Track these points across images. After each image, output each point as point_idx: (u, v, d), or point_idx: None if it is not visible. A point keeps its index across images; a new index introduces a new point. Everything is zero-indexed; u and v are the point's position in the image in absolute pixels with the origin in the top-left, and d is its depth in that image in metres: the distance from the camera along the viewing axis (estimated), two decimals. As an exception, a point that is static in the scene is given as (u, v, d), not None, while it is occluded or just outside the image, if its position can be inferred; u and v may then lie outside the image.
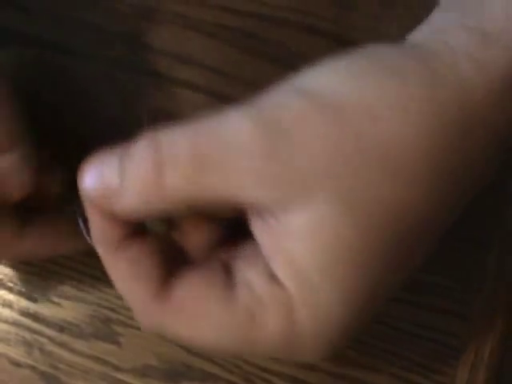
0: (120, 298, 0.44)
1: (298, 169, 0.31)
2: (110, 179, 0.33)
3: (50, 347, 0.44)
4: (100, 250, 0.35)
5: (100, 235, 0.35)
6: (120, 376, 0.44)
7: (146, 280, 0.34)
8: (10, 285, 0.45)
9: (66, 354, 0.44)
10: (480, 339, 0.43)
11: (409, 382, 0.43)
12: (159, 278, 0.34)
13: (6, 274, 0.45)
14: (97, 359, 0.44)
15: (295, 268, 0.32)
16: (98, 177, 0.33)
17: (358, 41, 0.46)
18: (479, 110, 0.32)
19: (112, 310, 0.44)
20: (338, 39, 0.47)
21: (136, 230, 0.35)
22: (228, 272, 0.35)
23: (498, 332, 0.42)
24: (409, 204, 0.32)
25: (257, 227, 0.33)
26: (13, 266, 0.45)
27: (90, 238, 0.36)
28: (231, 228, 0.36)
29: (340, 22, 0.47)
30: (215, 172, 0.32)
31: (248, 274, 0.34)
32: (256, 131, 0.32)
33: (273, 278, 0.33)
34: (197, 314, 0.34)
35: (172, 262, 0.35)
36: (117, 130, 0.45)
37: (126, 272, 0.35)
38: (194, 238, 0.36)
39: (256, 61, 0.47)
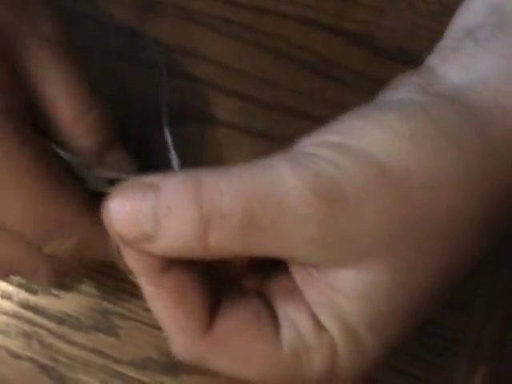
0: (120, 290, 0.44)
1: (353, 238, 0.30)
2: (146, 225, 0.31)
3: (50, 339, 0.44)
4: (141, 281, 0.33)
5: (138, 261, 0.32)
6: (119, 368, 0.44)
7: (194, 311, 0.32)
8: (10, 276, 0.45)
9: (65, 347, 0.44)
10: (480, 332, 0.43)
11: (409, 375, 0.43)
12: (204, 308, 0.32)
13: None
14: (96, 352, 0.44)
15: (341, 320, 0.32)
16: (131, 219, 0.31)
17: (359, 34, 0.47)
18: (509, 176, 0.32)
19: (112, 302, 0.44)
20: (339, 32, 0.47)
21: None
22: (271, 308, 0.34)
23: (498, 324, 0.42)
24: (459, 268, 0.32)
25: (299, 275, 0.33)
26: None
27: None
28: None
29: (341, 15, 0.47)
30: (266, 234, 0.30)
31: (292, 313, 0.33)
32: (314, 199, 0.30)
33: (317, 321, 0.32)
34: (242, 350, 0.32)
35: (214, 293, 0.33)
36: (118, 122, 0.45)
37: (172, 299, 0.32)
38: (233, 270, 0.35)
39: (257, 54, 0.47)
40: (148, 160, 0.44)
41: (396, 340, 0.33)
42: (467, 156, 0.31)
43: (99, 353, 0.44)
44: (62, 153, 0.38)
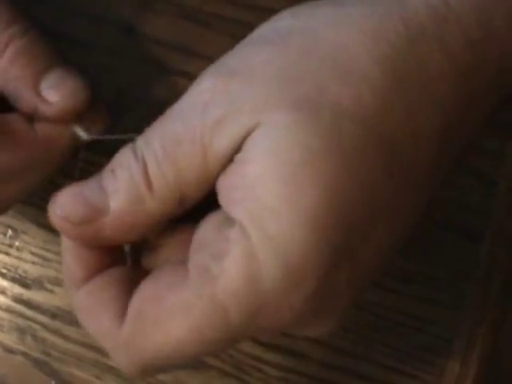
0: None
1: (247, 96, 0.31)
2: (93, 197, 0.32)
3: (43, 334, 0.45)
4: (67, 289, 0.35)
5: (66, 272, 0.35)
6: (112, 363, 0.44)
7: (106, 310, 0.33)
8: (4, 271, 0.45)
9: (58, 341, 0.44)
10: (471, 330, 0.43)
11: (400, 373, 0.44)
12: (119, 304, 0.33)
13: (0, 261, 0.46)
14: (89, 346, 0.44)
15: (251, 193, 0.30)
16: (77, 198, 0.33)
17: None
18: (419, 22, 0.32)
19: None
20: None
21: (104, 265, 0.34)
22: (182, 262, 0.33)
23: (490, 322, 0.43)
24: (367, 106, 0.30)
25: (222, 177, 0.32)
26: (6, 253, 0.46)
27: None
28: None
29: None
30: (185, 145, 0.32)
31: (198, 236, 0.32)
32: (208, 86, 0.33)
33: (226, 223, 0.31)
34: (157, 314, 0.32)
35: (134, 283, 0.34)
36: (112, 117, 0.45)
37: (86, 307, 0.34)
38: (160, 256, 0.35)
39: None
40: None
41: (331, 233, 0.30)
42: (347, 9, 0.32)
43: (92, 347, 0.44)
44: None
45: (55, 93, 0.38)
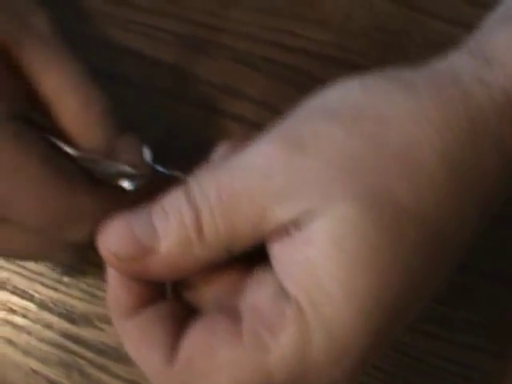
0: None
1: (315, 176, 0.32)
2: (143, 235, 0.33)
3: (89, 369, 0.45)
4: (112, 316, 0.36)
5: (114, 302, 0.35)
6: (156, 401, 0.44)
7: (156, 346, 0.34)
8: (51, 306, 0.46)
9: (104, 377, 0.45)
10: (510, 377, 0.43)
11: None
12: (169, 341, 0.34)
13: (48, 296, 0.46)
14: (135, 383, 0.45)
15: (312, 279, 0.31)
16: (127, 235, 0.33)
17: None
18: (484, 119, 0.33)
19: None
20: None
21: (149, 296, 0.35)
22: (233, 311, 0.34)
23: None
24: (427, 206, 0.32)
25: (276, 243, 0.33)
26: (55, 288, 0.46)
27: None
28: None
29: (385, 61, 0.48)
30: (243, 202, 0.32)
31: (253, 299, 0.34)
32: (273, 151, 0.33)
33: (282, 295, 0.32)
34: (207, 365, 0.33)
35: (182, 321, 0.35)
36: (162, 157, 0.46)
37: (135, 340, 0.35)
38: (204, 294, 0.36)
39: (301, 95, 0.47)
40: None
41: (380, 317, 0.32)
42: (419, 96, 0.33)
43: (137, 385, 0.45)
44: (67, 148, 0.38)
45: (129, 158, 0.39)
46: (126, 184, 0.39)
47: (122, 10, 0.51)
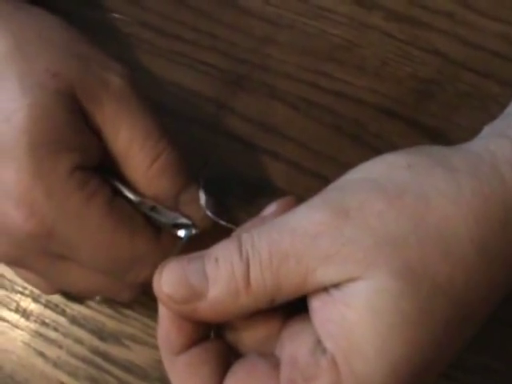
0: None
1: (360, 245, 0.34)
2: (195, 281, 0.35)
3: (116, 386, 0.47)
4: (162, 352, 0.38)
5: (165, 339, 0.37)
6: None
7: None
8: (83, 322, 0.48)
9: (130, 395, 0.47)
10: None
11: None
12: (213, 380, 0.36)
13: (80, 312, 0.48)
14: (159, 403, 0.46)
15: (348, 338, 0.34)
16: (182, 279, 0.36)
17: (433, 128, 0.49)
18: None
19: None
20: (414, 125, 0.50)
21: (197, 335, 0.37)
22: (272, 357, 0.37)
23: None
24: (458, 283, 0.34)
25: (316, 301, 0.35)
26: (87, 305, 0.48)
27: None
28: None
29: (418, 108, 0.50)
30: (290, 262, 0.34)
31: (291, 348, 0.36)
32: (321, 217, 0.35)
33: (319, 348, 0.34)
34: None
35: (225, 361, 0.37)
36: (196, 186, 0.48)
37: (184, 376, 0.37)
38: (245, 337, 0.38)
39: (335, 136, 0.50)
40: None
41: (411, 377, 0.34)
42: (458, 178, 0.35)
43: (162, 404, 0.46)
44: (129, 194, 0.41)
45: (191, 210, 0.42)
46: (181, 233, 0.42)
47: (168, 41, 0.53)
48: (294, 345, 0.36)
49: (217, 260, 0.35)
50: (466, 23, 0.53)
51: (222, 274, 0.35)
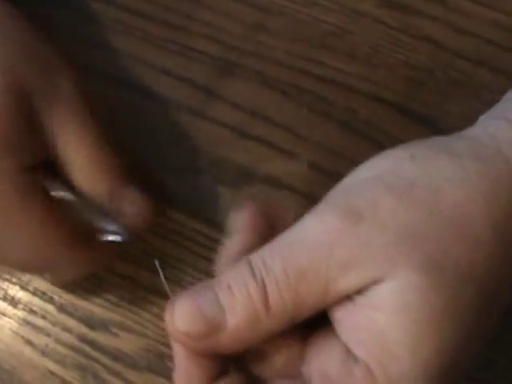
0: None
1: (378, 245, 0.33)
2: (211, 313, 0.34)
3: (104, 374, 0.46)
4: None
5: (185, 379, 0.36)
6: (167, 410, 0.46)
7: None
8: (71, 310, 0.47)
9: (118, 383, 0.46)
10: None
11: None
12: None
13: (68, 300, 0.47)
14: (147, 391, 0.46)
15: (379, 342, 0.33)
16: (196, 314, 0.34)
17: (424, 116, 0.49)
18: None
19: (168, 346, 0.44)
20: (406, 112, 0.50)
21: (218, 369, 0.36)
22: (298, 378, 0.36)
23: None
24: (479, 267, 0.33)
25: (339, 311, 0.34)
26: (75, 293, 0.47)
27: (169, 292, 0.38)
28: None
29: (409, 96, 0.50)
30: (308, 277, 0.33)
31: (319, 364, 0.35)
32: (333, 224, 0.34)
33: (350, 358, 0.34)
34: None
35: None
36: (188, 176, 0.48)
37: None
38: (268, 362, 0.37)
39: (325, 123, 0.49)
40: (214, 215, 0.48)
41: (444, 375, 0.33)
42: (463, 162, 0.35)
43: (150, 392, 0.46)
44: (67, 196, 0.42)
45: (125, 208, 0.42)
46: (110, 238, 0.42)
47: (158, 27, 0.52)
48: (321, 359, 0.35)
49: (230, 287, 0.34)
50: (458, 10, 0.53)
51: (239, 301, 0.33)
